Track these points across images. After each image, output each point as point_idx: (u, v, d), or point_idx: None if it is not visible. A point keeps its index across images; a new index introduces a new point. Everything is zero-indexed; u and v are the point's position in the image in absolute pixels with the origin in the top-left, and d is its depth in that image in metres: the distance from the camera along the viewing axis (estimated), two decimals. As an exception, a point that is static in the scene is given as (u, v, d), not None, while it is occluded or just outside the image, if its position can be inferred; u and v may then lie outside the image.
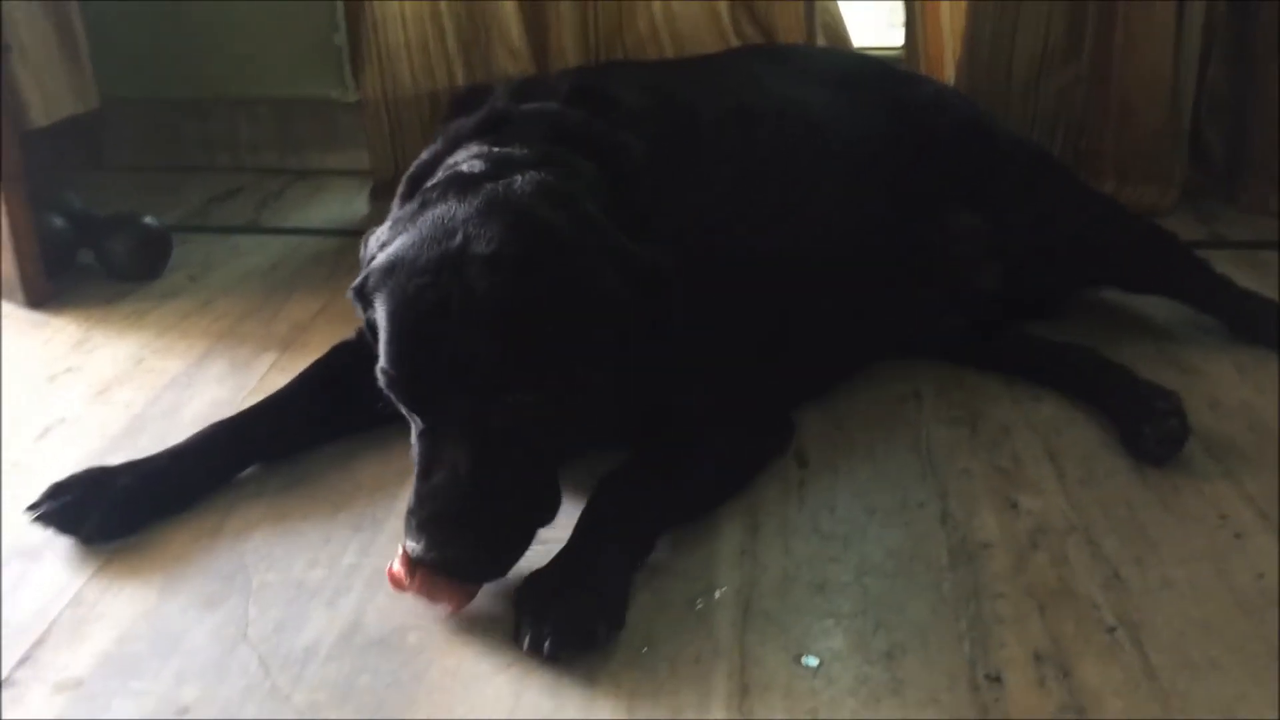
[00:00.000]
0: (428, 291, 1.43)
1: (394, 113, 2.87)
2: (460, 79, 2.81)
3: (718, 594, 1.52)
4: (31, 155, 2.40)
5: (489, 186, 1.52)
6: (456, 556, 1.42)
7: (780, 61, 2.28)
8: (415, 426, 1.50)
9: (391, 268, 1.48)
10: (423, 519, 1.42)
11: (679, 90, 1.94)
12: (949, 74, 2.73)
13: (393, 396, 1.49)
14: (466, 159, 1.63)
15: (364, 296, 1.53)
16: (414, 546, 1.42)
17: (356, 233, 2.43)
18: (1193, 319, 2.16)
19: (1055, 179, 2.19)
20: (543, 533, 1.53)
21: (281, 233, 2.83)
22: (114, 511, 1.63)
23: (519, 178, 1.54)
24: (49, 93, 2.51)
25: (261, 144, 3.26)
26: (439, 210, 1.49)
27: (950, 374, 2.05)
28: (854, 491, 1.73)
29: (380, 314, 1.49)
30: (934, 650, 1.41)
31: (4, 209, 2.32)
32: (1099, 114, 2.69)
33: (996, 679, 1.36)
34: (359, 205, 2.99)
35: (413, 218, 1.52)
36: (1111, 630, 1.43)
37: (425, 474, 1.45)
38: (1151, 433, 1.75)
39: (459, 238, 1.45)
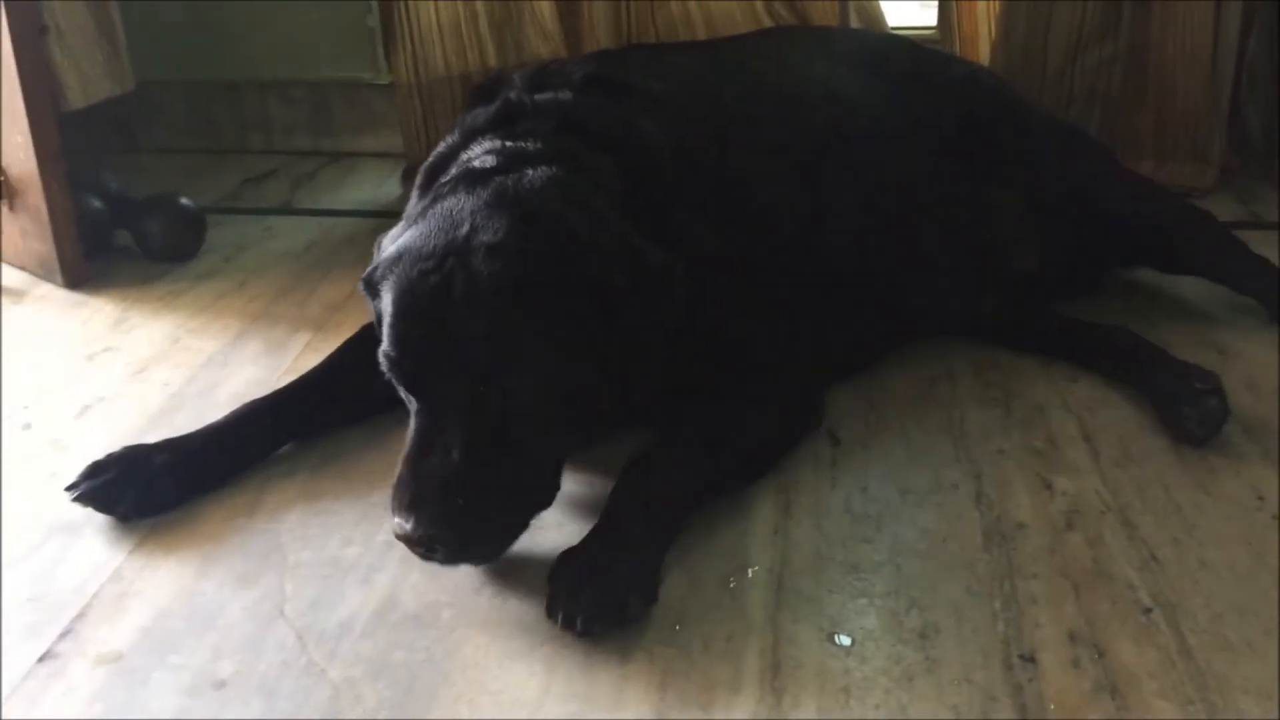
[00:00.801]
0: (431, 276, 1.46)
1: (426, 95, 2.88)
2: (492, 61, 2.81)
3: (750, 573, 1.52)
4: (68, 137, 2.42)
5: (498, 180, 1.54)
6: (444, 537, 1.42)
7: (810, 43, 2.27)
8: (411, 408, 1.51)
9: (399, 257, 1.50)
10: (411, 498, 1.42)
11: (705, 74, 1.93)
12: (983, 54, 2.71)
13: (392, 378, 1.51)
14: (479, 154, 1.64)
15: (372, 286, 1.55)
16: (400, 524, 1.42)
17: (390, 214, 2.45)
18: (1230, 300, 2.13)
19: (1091, 157, 2.17)
20: (571, 515, 1.54)
21: (315, 214, 2.84)
22: (150, 489, 1.65)
23: (530, 172, 1.55)
24: (86, 75, 2.53)
25: (295, 126, 3.27)
26: (448, 203, 1.52)
27: (985, 355, 2.04)
28: (887, 472, 1.73)
29: (385, 300, 1.51)
30: (968, 630, 1.40)
31: (42, 190, 2.34)
32: (1136, 92, 2.66)
33: (1030, 659, 1.35)
34: (391, 187, 3.00)
35: (423, 212, 1.55)
36: (1147, 611, 1.42)
37: (417, 453, 1.45)
38: (1191, 413, 1.73)
39: (465, 228, 1.48)
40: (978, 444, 1.78)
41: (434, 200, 1.56)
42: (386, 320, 1.50)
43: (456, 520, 1.42)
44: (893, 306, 2.00)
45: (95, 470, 1.66)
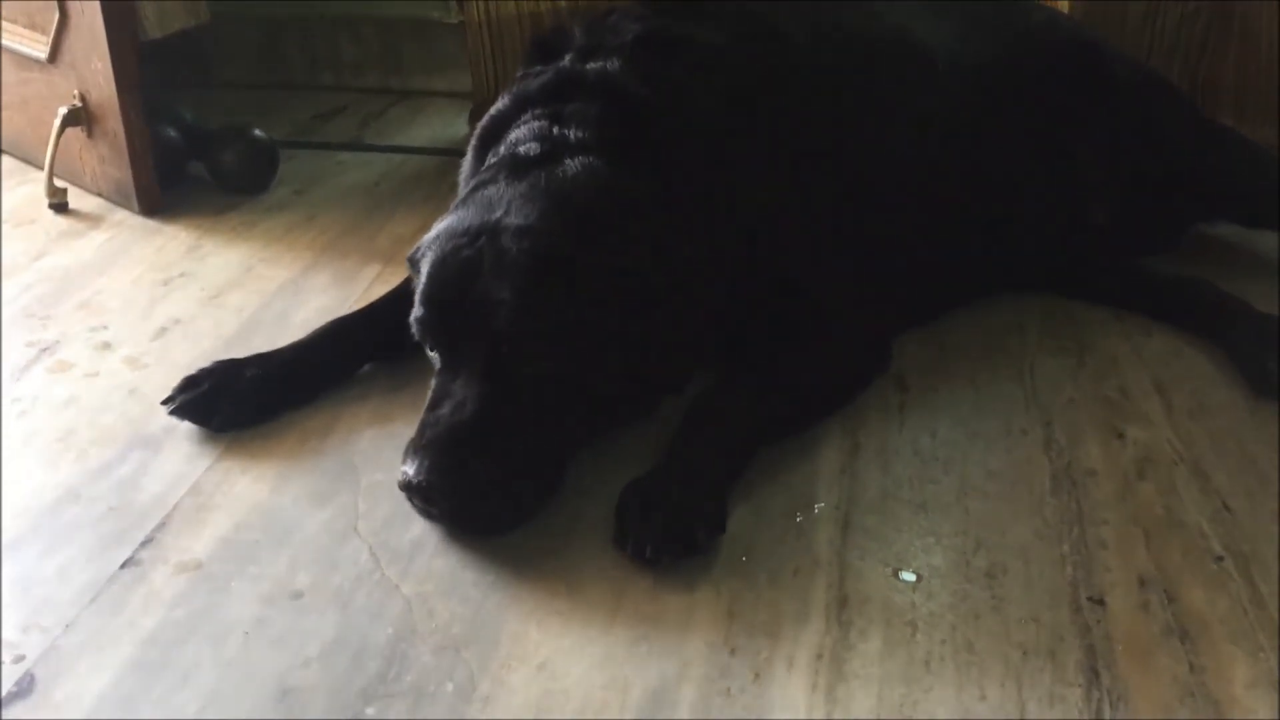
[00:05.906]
0: (464, 250, 1.54)
1: (496, 35, 2.87)
2: (563, 1, 2.79)
3: (817, 509, 1.53)
4: (144, 68, 2.44)
5: (536, 172, 1.59)
6: (443, 486, 1.43)
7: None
8: (436, 366, 1.56)
9: (439, 236, 1.58)
10: (419, 444, 1.46)
11: (773, 19, 1.90)
12: (1063, 3, 2.65)
13: (420, 339, 1.57)
14: (526, 138, 1.67)
15: (415, 264, 1.62)
16: (403, 470, 1.45)
17: (457, 153, 2.44)
18: (1310, 258, 2.10)
19: (1172, 107, 2.13)
20: (638, 447, 1.54)
21: (385, 151, 2.86)
22: (243, 402, 1.70)
23: (569, 162, 1.60)
24: (163, 6, 2.55)
25: (365, 64, 3.28)
26: (489, 191, 1.60)
27: (1058, 306, 2.02)
28: (955, 417, 1.72)
29: (422, 273, 1.58)
30: (1035, 571, 1.40)
31: (121, 117, 2.38)
32: (1218, 47, 2.60)
33: (1099, 601, 1.35)
34: (459, 127, 3.00)
35: (466, 200, 1.62)
36: (1219, 559, 1.41)
37: (434, 406, 1.50)
38: (1275, 366, 1.71)
39: (499, 212, 1.55)
40: (1048, 393, 1.77)
41: (476, 188, 1.63)
42: (419, 287, 1.57)
43: (457, 472, 1.44)
44: (965, 255, 1.97)
45: (189, 384, 1.71)
